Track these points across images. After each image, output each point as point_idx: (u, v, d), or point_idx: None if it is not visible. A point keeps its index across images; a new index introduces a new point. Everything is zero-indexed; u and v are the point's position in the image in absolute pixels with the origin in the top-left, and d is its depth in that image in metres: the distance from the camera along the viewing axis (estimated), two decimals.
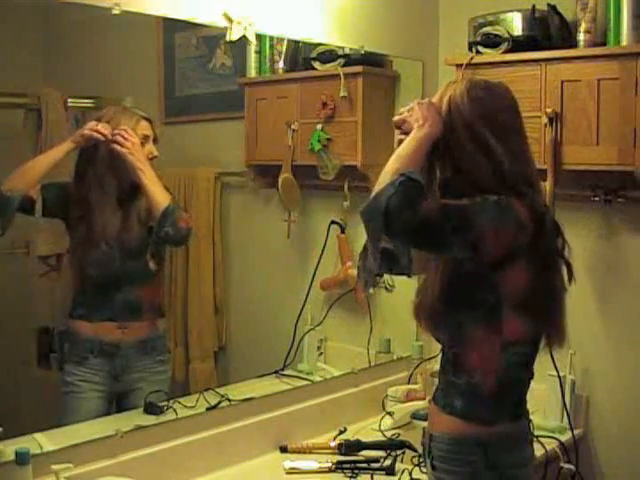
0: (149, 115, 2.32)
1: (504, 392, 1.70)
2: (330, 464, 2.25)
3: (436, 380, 2.70)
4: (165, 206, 2.20)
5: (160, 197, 2.21)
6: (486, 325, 1.66)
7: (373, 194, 1.58)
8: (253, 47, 2.63)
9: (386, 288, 1.73)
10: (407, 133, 1.70)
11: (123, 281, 2.25)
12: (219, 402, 2.30)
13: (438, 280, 1.70)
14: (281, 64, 2.76)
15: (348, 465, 2.25)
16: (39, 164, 2.12)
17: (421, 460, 2.20)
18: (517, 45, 2.55)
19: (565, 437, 2.50)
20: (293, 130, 2.76)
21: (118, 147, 2.18)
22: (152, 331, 2.33)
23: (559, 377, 2.49)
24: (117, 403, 2.29)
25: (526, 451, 1.77)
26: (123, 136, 2.18)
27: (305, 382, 2.62)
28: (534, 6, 2.54)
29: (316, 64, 2.74)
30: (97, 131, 2.16)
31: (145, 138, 2.28)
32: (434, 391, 1.83)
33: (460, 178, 1.69)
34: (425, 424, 1.87)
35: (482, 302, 1.66)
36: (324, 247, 2.76)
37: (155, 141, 2.31)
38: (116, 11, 1.98)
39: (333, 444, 2.38)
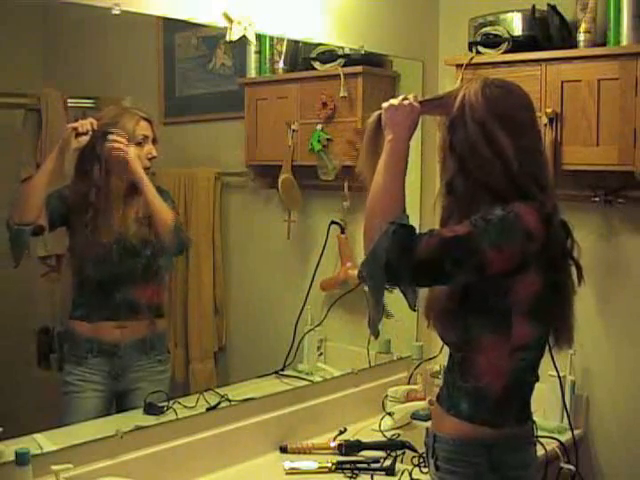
0: (149, 115, 2.32)
1: (511, 396, 1.70)
2: (330, 464, 2.25)
3: (436, 380, 2.72)
4: (173, 225, 2.27)
5: (166, 215, 2.26)
6: (496, 331, 1.66)
7: (369, 248, 1.59)
8: (253, 47, 2.62)
9: (386, 289, 1.74)
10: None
11: (122, 280, 2.25)
12: (219, 402, 2.30)
13: (450, 288, 1.70)
14: (281, 64, 2.75)
15: (348, 465, 2.25)
16: (38, 185, 2.09)
17: (422, 460, 2.20)
18: (517, 45, 2.56)
19: (565, 437, 2.50)
20: (293, 130, 2.76)
21: (122, 154, 2.19)
22: (151, 331, 2.33)
23: (559, 377, 2.49)
24: (117, 403, 2.29)
25: (530, 452, 1.77)
26: (121, 142, 2.18)
27: (305, 382, 2.62)
28: (534, 6, 2.54)
29: (316, 64, 2.74)
30: (74, 128, 2.14)
31: (144, 138, 2.28)
32: (439, 391, 1.82)
33: (468, 178, 1.67)
34: (426, 424, 1.87)
35: (493, 308, 1.65)
36: (324, 247, 2.76)
37: (154, 142, 2.31)
38: (116, 11, 1.98)
39: (333, 444, 2.38)
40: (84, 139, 2.14)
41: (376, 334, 1.82)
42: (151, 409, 2.19)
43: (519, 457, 1.72)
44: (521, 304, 1.65)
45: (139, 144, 2.26)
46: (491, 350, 1.67)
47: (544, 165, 1.74)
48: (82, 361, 2.21)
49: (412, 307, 1.74)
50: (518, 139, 1.65)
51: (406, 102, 1.73)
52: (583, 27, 2.45)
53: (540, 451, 2.31)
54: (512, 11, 2.58)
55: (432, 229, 1.63)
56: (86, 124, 2.14)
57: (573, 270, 1.77)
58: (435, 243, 1.56)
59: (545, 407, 2.56)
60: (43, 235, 2.14)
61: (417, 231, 1.60)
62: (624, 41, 2.36)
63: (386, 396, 2.70)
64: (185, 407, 2.24)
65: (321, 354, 2.80)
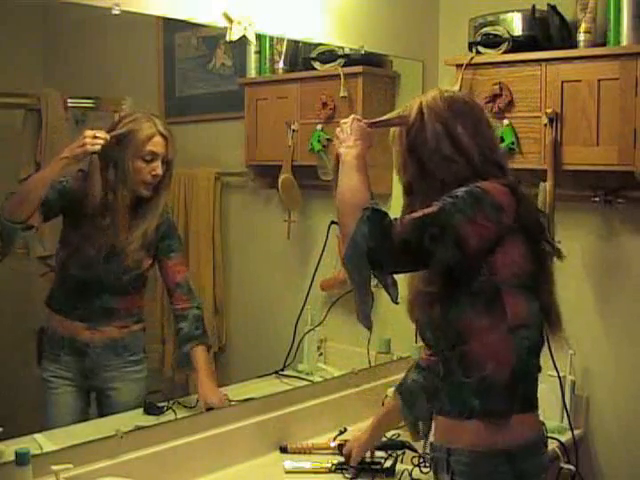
0: (169, 132, 2.23)
1: (519, 379, 1.67)
2: (330, 464, 2.24)
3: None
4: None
5: None
6: (489, 312, 1.64)
7: (348, 238, 1.60)
8: (253, 47, 2.62)
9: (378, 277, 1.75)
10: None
11: (104, 288, 2.19)
12: None
13: (431, 275, 1.69)
14: (281, 64, 2.76)
15: (346, 466, 2.24)
16: (37, 188, 2.04)
17: (421, 460, 2.20)
18: (517, 45, 2.56)
19: (565, 437, 2.50)
20: (293, 130, 2.76)
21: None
22: (124, 333, 2.26)
23: (559, 377, 2.48)
24: (97, 400, 2.25)
25: (545, 457, 1.76)
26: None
27: (305, 382, 2.62)
28: (534, 6, 2.54)
29: (316, 64, 2.74)
30: (83, 145, 2.04)
31: (153, 155, 2.19)
32: (438, 405, 1.77)
33: (429, 178, 1.71)
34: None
35: (481, 288, 1.64)
36: (324, 247, 2.74)
37: (165, 162, 2.22)
38: (116, 11, 1.98)
39: (333, 444, 2.37)
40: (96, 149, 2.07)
41: (369, 326, 1.78)
42: (151, 409, 2.19)
43: (537, 462, 1.71)
44: (508, 278, 1.65)
45: (147, 161, 2.19)
46: (486, 333, 1.65)
47: (499, 149, 1.83)
48: (56, 358, 2.18)
49: (394, 300, 1.73)
50: (478, 133, 1.72)
51: (361, 123, 1.80)
52: (583, 27, 2.45)
53: None
54: (512, 11, 2.58)
55: (401, 216, 1.66)
56: (98, 142, 2.05)
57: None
58: (409, 224, 1.59)
59: (545, 407, 2.53)
60: (31, 231, 2.09)
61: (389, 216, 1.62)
62: (624, 41, 2.36)
63: (386, 396, 2.69)
64: (185, 407, 2.24)
65: (321, 354, 2.80)
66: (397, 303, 1.75)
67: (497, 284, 1.64)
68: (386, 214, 1.60)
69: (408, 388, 2.11)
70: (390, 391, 2.19)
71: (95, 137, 2.05)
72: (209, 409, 2.26)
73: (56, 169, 2.06)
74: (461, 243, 1.58)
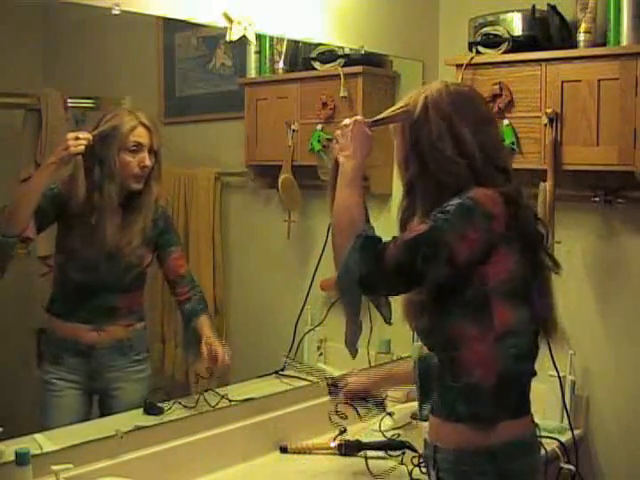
0: (152, 122, 2.23)
1: (505, 387, 1.66)
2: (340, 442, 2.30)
3: None
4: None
5: None
6: (478, 321, 1.64)
7: (341, 264, 1.60)
8: (253, 47, 2.63)
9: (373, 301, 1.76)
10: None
11: (104, 288, 2.19)
12: (219, 402, 2.30)
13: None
14: (281, 64, 2.76)
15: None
16: (29, 197, 2.03)
17: (421, 461, 2.20)
18: (517, 45, 2.56)
19: (565, 437, 2.50)
20: (293, 130, 2.76)
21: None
22: (129, 333, 2.27)
23: (559, 377, 2.49)
24: (100, 401, 2.26)
25: (536, 457, 1.75)
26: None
27: (305, 382, 2.62)
28: (534, 6, 2.54)
29: (316, 64, 2.74)
30: (67, 148, 2.04)
31: (138, 146, 2.20)
32: (430, 404, 1.78)
33: (431, 177, 1.68)
34: (425, 424, 1.85)
35: (471, 297, 1.63)
36: (324, 247, 2.74)
37: (152, 151, 2.22)
38: (116, 11, 1.97)
39: (333, 444, 2.38)
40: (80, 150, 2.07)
41: (354, 353, 1.79)
42: (151, 409, 2.19)
43: (525, 463, 1.69)
44: (498, 286, 1.63)
45: (132, 151, 2.19)
46: (476, 342, 1.64)
47: (504, 151, 1.80)
48: (59, 360, 2.18)
49: (387, 321, 1.74)
50: (482, 133, 1.68)
51: (362, 125, 1.77)
52: (583, 27, 2.45)
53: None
54: (512, 11, 2.58)
55: (395, 236, 1.64)
56: (81, 144, 2.04)
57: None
58: (401, 246, 1.58)
59: (545, 407, 2.56)
60: (27, 243, 2.10)
61: (383, 240, 1.62)
62: (624, 41, 2.36)
63: (386, 396, 2.70)
64: (185, 407, 2.24)
65: (321, 354, 2.80)
66: (390, 324, 1.75)
67: (487, 292, 1.63)
68: (379, 240, 1.60)
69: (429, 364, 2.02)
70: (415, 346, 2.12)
71: (77, 138, 2.05)
72: (210, 375, 2.29)
73: (46, 176, 2.06)
74: (453, 260, 1.58)
